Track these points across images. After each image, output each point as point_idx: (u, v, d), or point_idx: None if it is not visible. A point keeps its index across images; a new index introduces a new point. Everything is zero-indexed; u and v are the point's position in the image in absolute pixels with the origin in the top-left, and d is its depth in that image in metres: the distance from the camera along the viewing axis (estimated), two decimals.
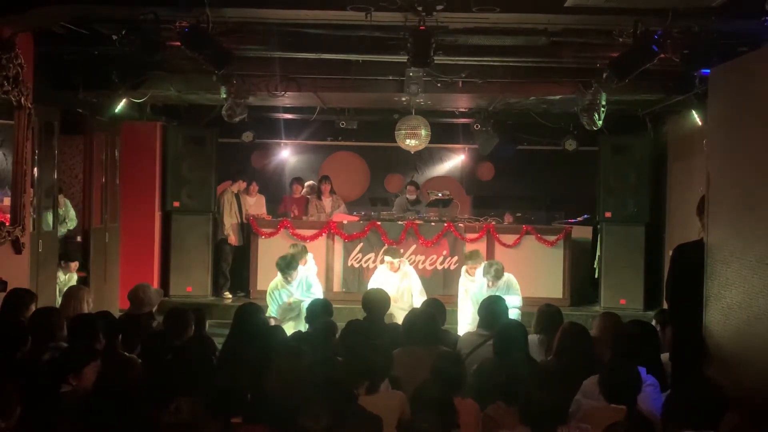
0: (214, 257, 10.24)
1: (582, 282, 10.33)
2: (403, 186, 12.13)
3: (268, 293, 7.56)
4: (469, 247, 9.76)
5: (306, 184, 11.52)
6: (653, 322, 5.35)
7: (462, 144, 12.05)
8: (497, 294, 7.02)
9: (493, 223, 10.18)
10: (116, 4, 5.70)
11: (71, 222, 8.72)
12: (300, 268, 7.59)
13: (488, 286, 7.49)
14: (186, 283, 10.08)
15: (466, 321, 7.59)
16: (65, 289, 7.55)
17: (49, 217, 7.52)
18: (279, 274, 7.50)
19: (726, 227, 4.15)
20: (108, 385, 3.51)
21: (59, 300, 6.53)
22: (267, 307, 7.44)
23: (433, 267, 9.90)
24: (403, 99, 8.91)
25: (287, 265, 7.39)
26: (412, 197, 10.98)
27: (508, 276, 7.64)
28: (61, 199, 8.36)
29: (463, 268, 8.18)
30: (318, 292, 7.53)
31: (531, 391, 3.46)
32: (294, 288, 7.43)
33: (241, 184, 10.46)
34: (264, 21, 6.24)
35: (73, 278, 8.01)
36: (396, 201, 11.37)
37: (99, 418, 3.38)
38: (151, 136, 10.09)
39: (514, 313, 7.18)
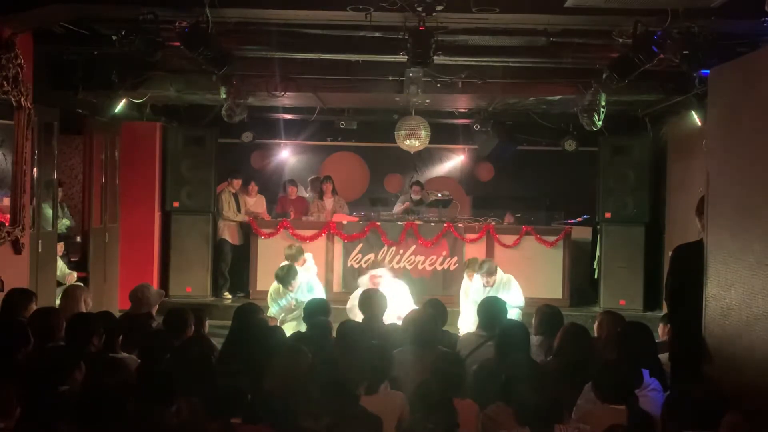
0: (214, 257, 10.23)
1: (581, 282, 10.33)
2: (403, 186, 12.12)
3: (269, 295, 7.56)
4: (468, 248, 9.79)
5: (309, 179, 11.56)
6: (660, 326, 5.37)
7: (462, 144, 12.04)
8: (495, 293, 7.06)
9: (493, 223, 10.18)
10: (116, 4, 5.70)
11: (64, 223, 8.70)
12: (300, 272, 7.58)
13: (484, 285, 7.51)
14: (185, 284, 10.08)
15: (467, 323, 7.59)
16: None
17: (49, 217, 7.52)
18: (275, 284, 7.51)
19: (725, 228, 4.15)
20: (100, 386, 3.51)
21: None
22: (267, 307, 7.44)
23: (432, 267, 9.90)
24: (402, 99, 8.90)
25: (286, 275, 7.38)
26: (417, 197, 10.99)
27: (505, 275, 7.64)
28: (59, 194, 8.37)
29: (465, 273, 8.22)
30: (319, 293, 7.53)
31: (526, 391, 3.46)
32: (294, 293, 7.42)
33: (237, 183, 10.45)
34: (264, 21, 6.24)
35: (60, 263, 7.96)
36: (399, 200, 11.37)
37: (96, 419, 3.38)
38: (151, 136, 10.09)
39: (515, 313, 7.20)
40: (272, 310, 7.45)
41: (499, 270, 7.64)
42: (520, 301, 7.55)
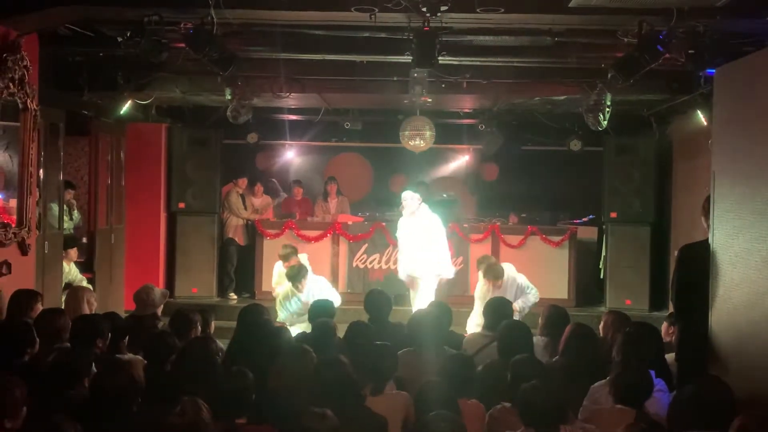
0: (220, 258, 10.25)
1: (587, 282, 10.30)
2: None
3: (278, 301, 7.53)
4: (473, 248, 9.78)
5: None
6: (664, 325, 5.36)
7: (466, 144, 12.03)
8: (503, 296, 7.04)
9: (498, 223, 10.17)
10: (121, 5, 5.71)
11: (74, 221, 8.73)
12: (310, 275, 7.56)
13: (485, 283, 7.40)
14: (191, 284, 10.10)
15: (473, 320, 7.56)
16: (65, 280, 7.63)
17: (55, 218, 7.54)
18: (286, 288, 7.50)
19: (731, 228, 4.14)
20: (107, 387, 3.52)
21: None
22: (275, 312, 7.41)
23: None
24: (407, 100, 8.90)
25: (297, 274, 7.38)
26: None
27: (514, 276, 7.56)
28: (69, 194, 8.42)
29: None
30: (334, 298, 7.42)
31: (531, 392, 3.46)
32: (304, 296, 7.39)
33: (242, 182, 10.46)
34: (268, 22, 6.25)
35: (72, 268, 7.98)
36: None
37: (101, 420, 3.39)
38: (156, 138, 10.12)
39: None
40: (281, 316, 7.43)
41: (513, 274, 7.54)
42: (534, 297, 7.49)
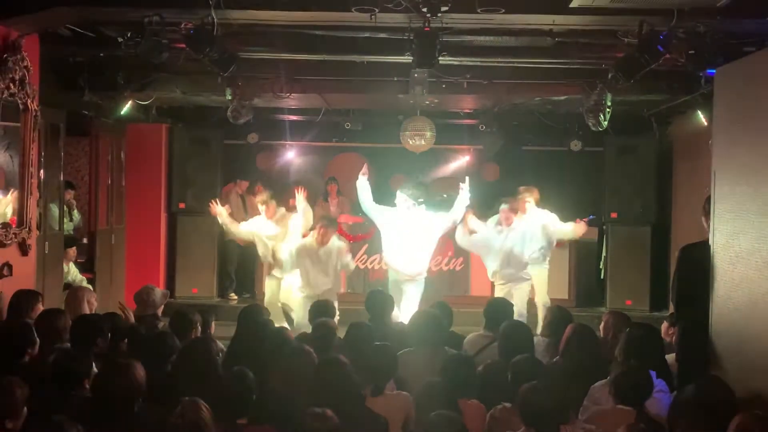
0: (220, 259, 10.25)
1: (587, 283, 10.30)
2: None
3: (293, 252, 7.47)
4: None
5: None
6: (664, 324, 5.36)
7: (467, 145, 12.02)
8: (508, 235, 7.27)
9: None
10: (121, 5, 5.71)
11: (74, 221, 8.74)
12: (334, 239, 7.58)
13: (500, 212, 7.61)
14: (191, 285, 10.10)
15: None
16: (65, 281, 7.64)
17: (56, 219, 7.54)
18: (308, 239, 7.50)
19: (731, 228, 4.14)
20: (107, 388, 3.53)
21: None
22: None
23: (438, 268, 9.88)
24: (412, 100, 8.89)
25: (333, 222, 7.64)
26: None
27: (538, 221, 7.72)
28: (69, 194, 8.43)
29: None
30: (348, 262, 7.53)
31: (532, 392, 3.46)
32: (323, 253, 7.38)
33: (243, 184, 10.46)
34: (268, 22, 6.25)
35: (72, 268, 7.98)
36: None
37: (102, 420, 3.39)
38: (157, 138, 10.13)
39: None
40: (285, 258, 7.52)
41: (537, 219, 7.62)
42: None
